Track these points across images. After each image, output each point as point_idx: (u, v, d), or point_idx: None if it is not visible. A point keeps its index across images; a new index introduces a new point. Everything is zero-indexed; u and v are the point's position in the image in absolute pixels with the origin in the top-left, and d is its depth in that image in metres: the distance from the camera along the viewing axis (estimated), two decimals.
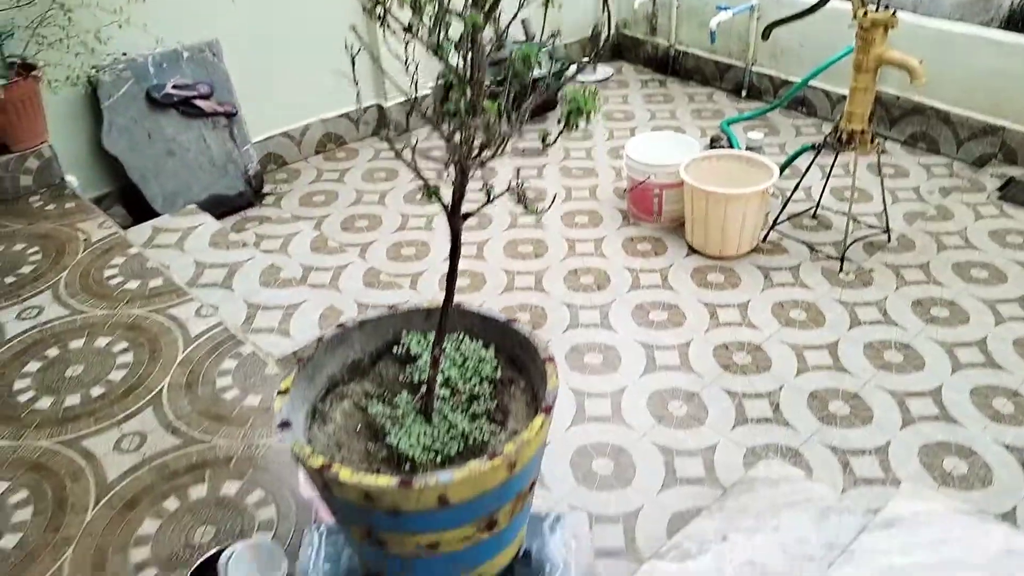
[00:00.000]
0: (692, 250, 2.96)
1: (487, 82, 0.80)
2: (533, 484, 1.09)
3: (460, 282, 2.81)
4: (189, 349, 2.04)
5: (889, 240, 2.91)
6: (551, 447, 2.13)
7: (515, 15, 0.78)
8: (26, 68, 2.69)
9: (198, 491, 1.64)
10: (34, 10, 2.66)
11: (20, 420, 1.85)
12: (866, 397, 2.26)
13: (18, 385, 1.96)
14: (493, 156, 0.81)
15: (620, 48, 4.81)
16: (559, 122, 0.75)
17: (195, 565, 1.18)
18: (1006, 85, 3.22)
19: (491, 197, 0.94)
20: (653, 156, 3.00)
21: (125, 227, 2.72)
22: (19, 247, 2.51)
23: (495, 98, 0.83)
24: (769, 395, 2.29)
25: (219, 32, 3.28)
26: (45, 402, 1.90)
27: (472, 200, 1.01)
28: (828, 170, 2.93)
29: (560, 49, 4.25)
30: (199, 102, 3.22)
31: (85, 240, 2.52)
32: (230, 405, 1.85)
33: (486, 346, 1.19)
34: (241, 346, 2.03)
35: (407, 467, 1.03)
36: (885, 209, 2.90)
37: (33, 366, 2.02)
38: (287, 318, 2.31)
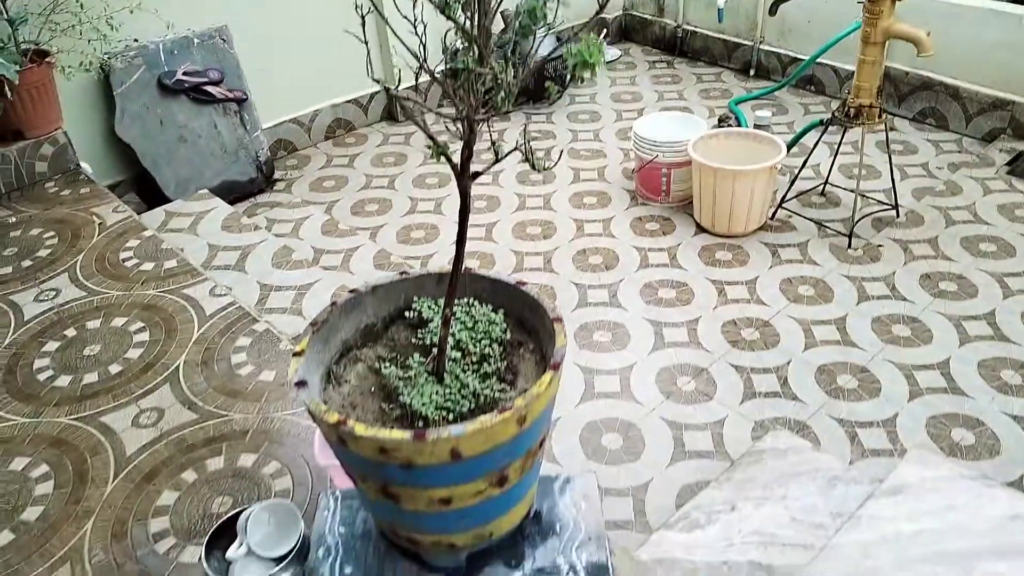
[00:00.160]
0: (700, 229, 2.97)
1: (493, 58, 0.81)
2: (543, 442, 1.11)
3: (469, 263, 2.83)
4: (204, 328, 2.07)
5: (897, 216, 2.91)
6: (561, 422, 2.16)
7: None
8: (39, 55, 2.72)
9: (215, 463, 1.67)
10: None
11: (40, 398, 1.89)
12: (874, 370, 2.27)
13: (37, 364, 2.00)
14: (500, 108, 0.83)
15: (627, 29, 4.80)
16: (569, 72, 0.77)
17: (215, 526, 1.21)
18: (1015, 59, 3.20)
19: (499, 156, 0.95)
20: (661, 135, 3.01)
21: (139, 213, 2.76)
22: (35, 232, 2.55)
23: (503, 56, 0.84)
24: (777, 370, 2.31)
25: (229, 18, 3.31)
26: (64, 380, 1.94)
27: (481, 172, 1.03)
28: (836, 147, 2.93)
29: (567, 33, 4.24)
30: (210, 88, 3.25)
31: (100, 224, 2.56)
32: (245, 381, 1.89)
33: (495, 310, 1.21)
34: (255, 324, 2.07)
35: (420, 425, 1.06)
36: (893, 185, 2.90)
37: (52, 346, 2.06)
38: (299, 298, 2.34)
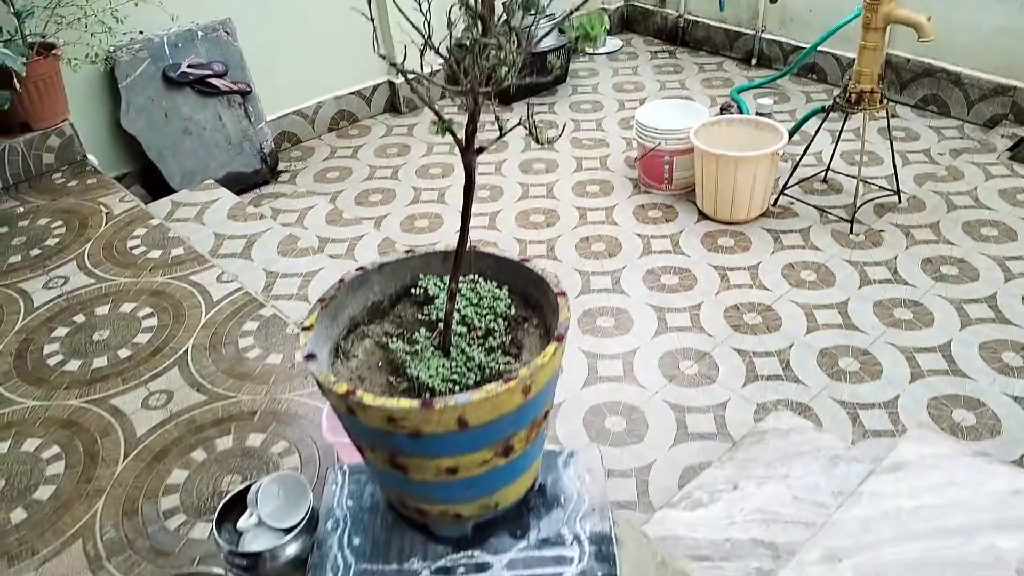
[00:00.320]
0: (703, 216, 2.98)
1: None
2: (547, 414, 1.13)
3: None
4: (212, 313, 2.10)
5: (899, 201, 2.92)
6: (565, 406, 2.18)
7: None
8: (46, 48, 2.74)
9: (224, 443, 1.70)
10: None
11: (50, 382, 1.92)
12: (876, 353, 2.29)
13: (47, 349, 2.03)
14: (504, 81, 0.84)
15: (629, 20, 4.81)
16: (573, 43, 0.77)
17: (225, 499, 1.23)
18: (1017, 44, 3.21)
19: (503, 131, 0.97)
20: (663, 123, 3.02)
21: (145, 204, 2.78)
22: (43, 221, 2.57)
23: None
24: (779, 353, 2.33)
25: (232, 10, 3.33)
26: (74, 364, 1.97)
27: (485, 148, 1.05)
28: (838, 134, 2.94)
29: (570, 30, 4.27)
30: (214, 81, 3.27)
31: (107, 213, 2.58)
32: (253, 364, 1.91)
33: (500, 286, 1.23)
34: (262, 308, 2.09)
35: (427, 397, 1.08)
36: (895, 171, 2.91)
37: (61, 331, 2.08)
38: (305, 284, 2.36)
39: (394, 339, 1.18)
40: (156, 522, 1.53)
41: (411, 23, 0.92)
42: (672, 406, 2.18)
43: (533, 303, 1.22)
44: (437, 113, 0.96)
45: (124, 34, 2.98)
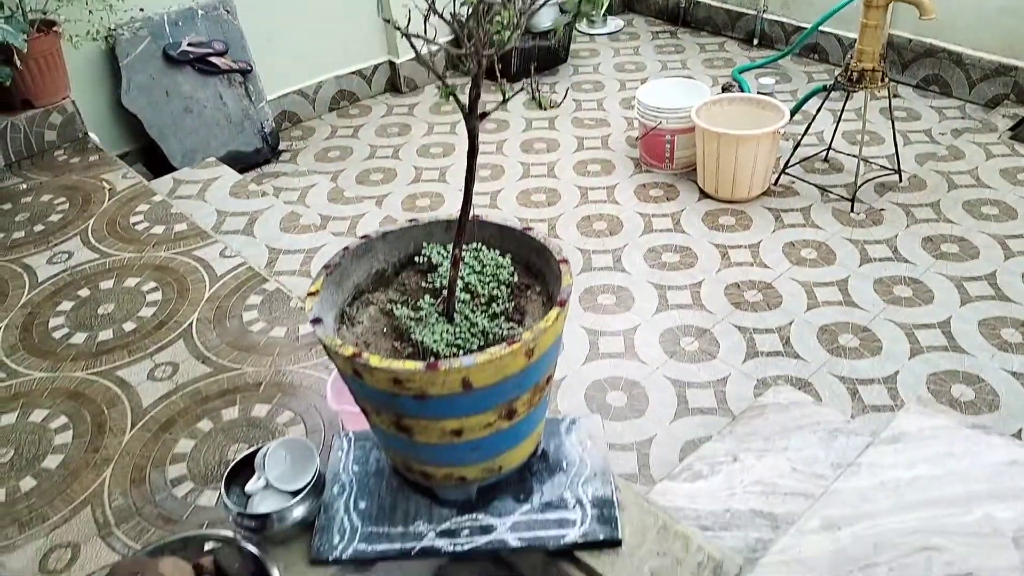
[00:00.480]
0: (704, 194, 2.99)
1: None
2: (549, 379, 1.15)
3: None
4: (216, 287, 2.11)
5: (900, 180, 2.93)
6: (566, 381, 2.20)
7: None
8: (47, 24, 2.74)
9: (230, 413, 1.72)
10: None
11: (56, 354, 1.93)
12: (875, 329, 2.30)
13: (53, 323, 2.04)
14: (507, 44, 0.85)
15: (631, 0, 4.79)
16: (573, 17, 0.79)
17: (233, 463, 1.25)
18: (1019, 24, 3.20)
19: (506, 97, 0.98)
20: (664, 102, 3.02)
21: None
22: (46, 198, 2.58)
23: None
24: (779, 330, 2.34)
25: None
26: (79, 337, 1.98)
27: (488, 113, 1.05)
28: (839, 113, 2.94)
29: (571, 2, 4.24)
30: (215, 59, 3.27)
31: (110, 190, 2.59)
32: (257, 336, 1.93)
33: (503, 254, 1.24)
34: (265, 283, 2.10)
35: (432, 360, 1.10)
36: (896, 150, 2.91)
37: (66, 305, 2.10)
38: (308, 260, 2.37)
39: (399, 306, 1.20)
40: (164, 490, 1.55)
41: None
42: (673, 381, 2.19)
43: (535, 271, 1.23)
44: (440, 77, 0.97)
45: (124, 12, 2.98)
